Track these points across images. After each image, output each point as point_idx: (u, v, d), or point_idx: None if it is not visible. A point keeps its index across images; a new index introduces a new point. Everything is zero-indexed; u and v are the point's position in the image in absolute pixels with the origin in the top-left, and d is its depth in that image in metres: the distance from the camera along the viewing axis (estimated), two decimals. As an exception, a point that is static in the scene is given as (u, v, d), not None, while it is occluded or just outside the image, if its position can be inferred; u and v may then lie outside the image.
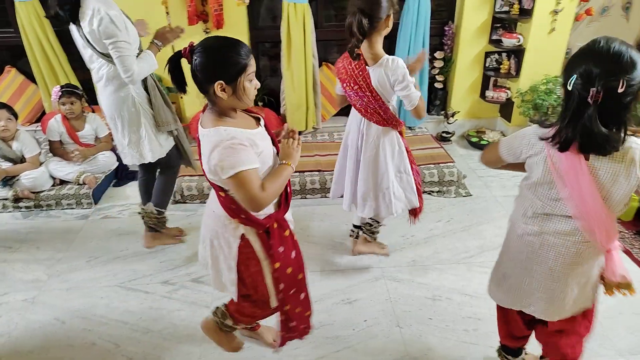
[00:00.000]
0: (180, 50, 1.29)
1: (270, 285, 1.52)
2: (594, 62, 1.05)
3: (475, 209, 2.84)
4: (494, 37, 3.41)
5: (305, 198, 3.00)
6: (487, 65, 3.53)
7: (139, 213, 2.50)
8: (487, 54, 3.49)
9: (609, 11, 3.43)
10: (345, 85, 1.97)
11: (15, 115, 2.93)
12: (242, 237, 1.45)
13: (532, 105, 3.30)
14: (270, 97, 3.68)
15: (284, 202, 1.48)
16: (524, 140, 1.28)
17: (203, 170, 1.37)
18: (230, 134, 1.27)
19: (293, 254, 1.52)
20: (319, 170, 3.02)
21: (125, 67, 1.97)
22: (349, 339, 1.95)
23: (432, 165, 3.05)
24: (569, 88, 1.09)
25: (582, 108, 1.08)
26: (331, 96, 3.46)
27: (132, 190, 3.11)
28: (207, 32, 3.21)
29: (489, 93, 3.57)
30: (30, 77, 3.59)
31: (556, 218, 1.26)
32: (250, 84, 1.32)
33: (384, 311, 2.09)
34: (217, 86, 1.26)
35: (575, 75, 1.08)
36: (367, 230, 2.36)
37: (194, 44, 1.28)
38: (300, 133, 3.47)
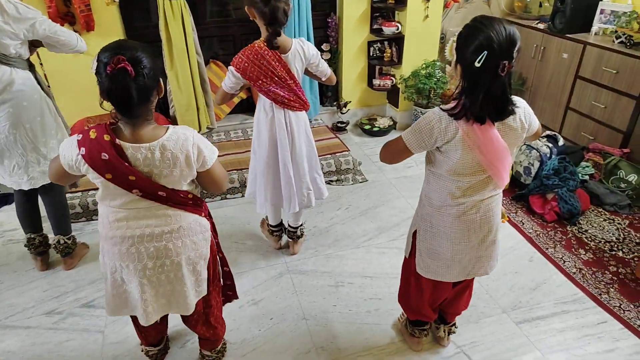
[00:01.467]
0: (122, 66, 1.11)
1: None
2: (497, 39, 1.15)
3: (372, 193, 2.95)
4: (375, 27, 3.55)
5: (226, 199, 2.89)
6: (371, 54, 3.67)
7: (29, 245, 2.27)
8: (370, 43, 3.63)
9: (471, -1, 3.76)
10: (260, 82, 1.92)
11: None
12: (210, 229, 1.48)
13: (415, 90, 3.50)
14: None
15: None
16: (435, 129, 1.30)
17: (157, 184, 1.27)
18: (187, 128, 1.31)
19: None
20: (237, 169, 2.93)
21: None
22: (255, 341, 1.92)
23: (329, 156, 3.11)
24: (478, 65, 1.17)
25: (493, 80, 1.19)
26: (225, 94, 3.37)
27: (2, 216, 2.78)
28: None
29: (376, 81, 3.72)
30: None
31: (480, 184, 1.37)
32: None
33: (290, 306, 2.09)
34: (159, 89, 1.24)
35: (485, 52, 1.15)
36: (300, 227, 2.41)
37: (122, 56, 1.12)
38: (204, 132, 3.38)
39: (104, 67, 1.13)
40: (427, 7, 3.41)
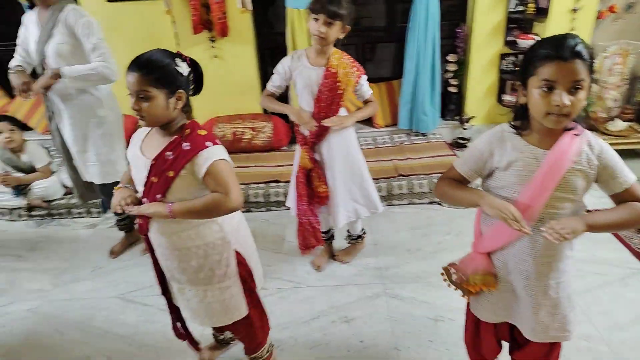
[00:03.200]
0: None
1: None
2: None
3: (487, 221, 2.71)
4: (509, 39, 3.25)
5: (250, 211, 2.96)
6: (503, 67, 3.38)
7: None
8: (503, 56, 3.34)
9: (634, 7, 3.21)
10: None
11: (20, 126, 2.99)
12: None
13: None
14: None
15: None
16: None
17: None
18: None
19: None
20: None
21: None
22: (342, 362, 1.88)
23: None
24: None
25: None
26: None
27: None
28: (212, 41, 3.20)
29: (506, 97, 3.41)
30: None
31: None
32: None
33: (383, 332, 2.00)
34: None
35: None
36: (354, 238, 2.38)
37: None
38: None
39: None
40: (574, 18, 3.02)
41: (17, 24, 3.53)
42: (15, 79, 1.99)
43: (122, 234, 2.64)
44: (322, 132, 1.97)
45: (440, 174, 1.15)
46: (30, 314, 2.24)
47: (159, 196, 1.29)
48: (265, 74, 3.57)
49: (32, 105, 3.70)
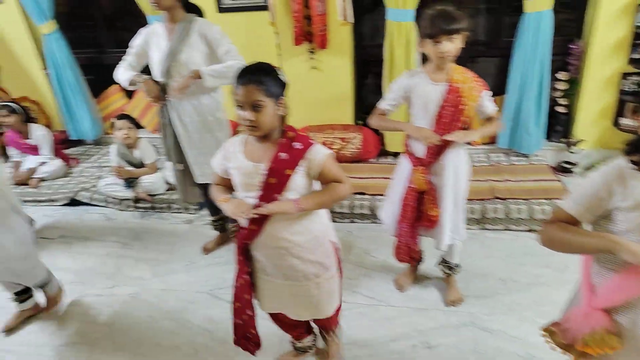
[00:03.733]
0: None
1: None
2: None
3: (594, 256, 2.44)
4: (634, 56, 2.91)
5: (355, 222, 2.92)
6: (624, 88, 3.04)
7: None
8: (625, 75, 3.00)
9: None
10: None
11: (137, 125, 3.29)
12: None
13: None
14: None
15: None
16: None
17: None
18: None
19: None
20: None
21: None
22: (421, 390, 1.80)
23: (545, 201, 2.71)
24: None
25: None
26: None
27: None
28: (311, 52, 3.28)
29: (625, 121, 3.06)
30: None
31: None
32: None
33: (467, 364, 1.89)
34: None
35: None
36: (449, 267, 2.22)
37: None
38: (398, 155, 3.39)
39: None
40: None
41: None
42: (147, 86, 2.15)
43: (215, 232, 2.79)
44: (440, 151, 1.87)
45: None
46: (130, 298, 2.44)
47: (277, 195, 1.39)
48: (359, 86, 3.58)
49: (145, 106, 4.08)
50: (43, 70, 4.00)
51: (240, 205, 1.42)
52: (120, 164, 3.25)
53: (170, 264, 2.70)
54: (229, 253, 2.71)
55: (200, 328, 2.20)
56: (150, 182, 3.23)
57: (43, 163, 3.61)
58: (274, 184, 1.39)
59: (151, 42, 2.21)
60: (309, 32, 3.20)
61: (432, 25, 1.68)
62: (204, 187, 2.47)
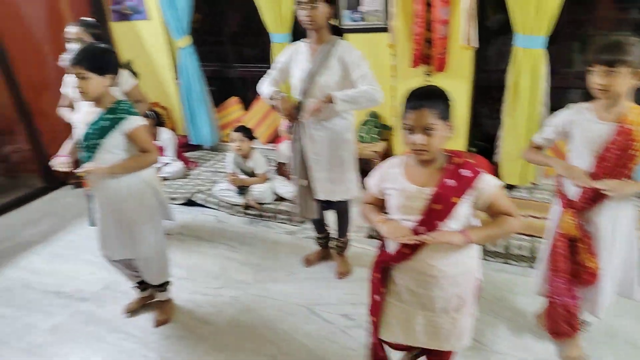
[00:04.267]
0: None
1: None
2: None
3: None
4: None
5: (508, 264, 2.67)
6: None
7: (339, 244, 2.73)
8: None
9: None
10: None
11: (250, 137, 3.47)
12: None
13: None
14: (484, 143, 3.46)
15: None
16: None
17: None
18: None
19: None
20: (530, 235, 2.64)
21: None
22: None
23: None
24: None
25: None
26: (557, 149, 3.02)
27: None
28: (428, 75, 3.22)
29: None
30: (274, 105, 4.24)
31: None
32: None
33: None
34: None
35: None
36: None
37: None
38: (513, 187, 3.18)
39: None
40: None
41: (262, 49, 4.19)
42: (283, 104, 2.22)
43: (314, 245, 2.84)
44: (596, 197, 1.68)
45: None
46: (233, 300, 2.57)
47: (439, 222, 1.37)
48: (476, 112, 3.43)
49: (260, 119, 4.32)
50: (175, 80, 4.44)
51: (399, 228, 1.41)
52: (234, 172, 3.47)
53: (271, 271, 2.79)
54: (327, 269, 2.74)
55: (297, 342, 2.23)
56: (260, 191, 3.39)
57: (167, 164, 3.97)
58: (437, 211, 1.36)
59: (295, 59, 2.27)
60: (428, 55, 3.15)
61: (591, 53, 1.56)
62: (321, 204, 2.51)
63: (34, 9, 3.95)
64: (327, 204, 2.53)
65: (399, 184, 1.45)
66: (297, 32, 3.69)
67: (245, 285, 2.69)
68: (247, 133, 3.45)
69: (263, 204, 3.42)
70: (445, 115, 1.34)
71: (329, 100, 2.08)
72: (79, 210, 3.69)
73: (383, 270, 1.55)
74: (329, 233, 2.77)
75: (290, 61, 2.30)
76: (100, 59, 1.92)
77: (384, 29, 3.28)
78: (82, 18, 2.72)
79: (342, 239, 2.69)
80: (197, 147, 4.62)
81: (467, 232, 1.36)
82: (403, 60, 3.25)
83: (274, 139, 4.30)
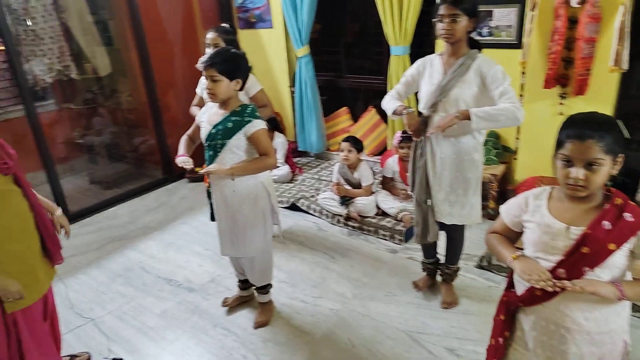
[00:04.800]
0: None
1: None
2: None
3: None
4: None
5: None
6: None
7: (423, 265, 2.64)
8: None
9: None
10: None
11: (359, 148, 3.42)
12: None
13: None
14: (623, 177, 3.05)
15: None
16: None
17: None
18: None
19: None
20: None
21: None
22: None
23: None
24: None
25: None
26: None
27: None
28: (562, 97, 2.92)
29: None
30: (384, 118, 4.17)
31: None
32: None
33: None
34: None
35: None
36: None
37: None
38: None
39: None
40: None
41: (378, 61, 4.16)
42: (409, 119, 2.13)
43: (416, 267, 2.70)
44: None
45: None
46: (332, 313, 2.52)
47: (586, 269, 1.20)
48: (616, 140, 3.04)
49: (368, 130, 4.28)
50: (290, 87, 4.57)
51: (537, 269, 1.24)
52: (339, 181, 3.45)
53: (371, 289, 2.71)
54: (431, 297, 2.58)
55: (398, 369, 2.12)
56: (363, 203, 3.34)
57: (276, 167, 4.09)
58: (586, 255, 1.20)
59: (425, 73, 2.18)
60: (564, 76, 2.86)
61: None
62: (441, 227, 2.39)
63: (172, 15, 4.33)
64: (447, 227, 2.39)
65: (542, 218, 1.29)
66: (417, 45, 3.60)
67: (344, 299, 2.63)
68: (357, 144, 3.42)
69: (365, 217, 3.35)
70: (612, 149, 1.16)
71: (465, 116, 1.94)
72: (191, 203, 3.95)
73: (509, 312, 1.40)
74: (438, 259, 2.61)
75: (421, 74, 2.21)
76: (231, 64, 1.99)
77: (514, 46, 3.05)
78: (220, 25, 2.90)
79: (451, 267, 2.51)
80: (303, 154, 4.71)
81: (622, 288, 1.18)
82: (534, 81, 2.99)
83: (381, 151, 4.23)
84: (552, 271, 1.24)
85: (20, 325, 1.70)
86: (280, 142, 4.10)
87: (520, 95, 3.08)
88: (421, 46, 3.69)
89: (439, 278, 2.63)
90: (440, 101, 2.08)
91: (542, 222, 1.29)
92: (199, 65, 2.05)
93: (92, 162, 4.84)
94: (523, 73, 3.04)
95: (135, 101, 4.67)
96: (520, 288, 1.38)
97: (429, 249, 2.56)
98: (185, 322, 2.52)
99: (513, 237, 1.43)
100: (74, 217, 3.75)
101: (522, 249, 1.39)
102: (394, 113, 2.20)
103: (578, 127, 1.19)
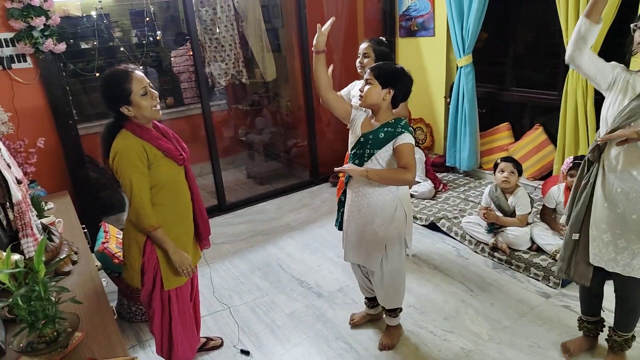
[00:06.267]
0: None
1: None
2: None
3: None
4: None
5: None
6: None
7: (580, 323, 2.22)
8: None
9: None
10: None
11: (520, 171, 3.03)
12: None
13: None
14: None
15: None
16: None
17: None
18: None
19: None
20: None
21: None
22: None
23: None
24: None
25: None
26: None
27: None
28: None
29: None
30: (552, 138, 3.65)
31: None
32: None
33: None
34: None
35: None
36: None
37: None
38: None
39: None
40: None
41: (551, 74, 3.65)
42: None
43: (573, 321, 2.26)
44: None
45: None
46: (462, 353, 2.28)
47: None
48: None
49: (530, 151, 3.80)
50: (445, 98, 4.32)
51: None
52: (489, 206, 3.12)
53: (512, 334, 2.37)
54: (590, 357, 2.14)
55: None
56: (515, 235, 2.95)
57: (417, 182, 3.91)
58: None
59: (617, 84, 1.80)
60: None
61: None
62: (603, 275, 1.98)
63: (336, 23, 4.45)
64: (614, 277, 1.95)
65: None
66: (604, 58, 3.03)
67: (479, 340, 2.35)
68: (518, 166, 3.05)
69: (515, 250, 2.96)
70: None
71: None
72: (331, 207, 4.02)
73: None
74: (602, 319, 2.15)
75: (614, 81, 1.81)
76: (388, 73, 1.97)
77: None
78: (377, 37, 2.86)
79: (622, 333, 2.04)
80: (450, 169, 4.42)
81: None
82: None
83: (544, 176, 3.72)
84: None
85: (173, 301, 1.92)
86: (418, 158, 3.90)
87: None
88: (609, 60, 3.10)
89: (603, 342, 2.17)
90: (627, 125, 1.69)
91: None
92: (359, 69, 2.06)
93: (250, 158, 5.30)
94: None
95: (293, 106, 4.96)
96: None
97: (590, 302, 2.12)
98: (310, 328, 2.54)
99: None
100: (230, 208, 4.15)
101: None
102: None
103: None
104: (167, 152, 1.80)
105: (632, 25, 1.68)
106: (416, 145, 4.05)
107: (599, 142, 1.79)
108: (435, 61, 4.31)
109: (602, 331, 2.16)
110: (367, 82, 1.98)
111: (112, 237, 2.61)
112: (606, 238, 1.86)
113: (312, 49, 2.04)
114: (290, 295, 2.86)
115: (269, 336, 2.50)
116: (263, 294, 2.89)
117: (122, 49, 4.04)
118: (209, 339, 2.43)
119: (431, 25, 4.21)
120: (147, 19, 4.08)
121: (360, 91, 2.00)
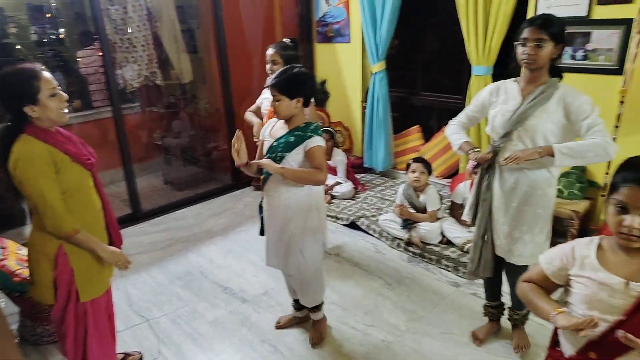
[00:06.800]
0: None
1: None
2: None
3: None
4: None
5: None
6: None
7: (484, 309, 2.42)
8: None
9: None
10: None
11: (429, 171, 3.26)
12: None
13: None
14: None
15: None
16: None
17: None
18: None
19: None
20: None
21: None
22: None
23: None
24: None
25: None
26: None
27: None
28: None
29: None
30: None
31: None
32: None
33: None
34: None
35: None
36: None
37: None
38: None
39: None
40: None
41: (456, 79, 3.96)
42: (481, 159, 2.00)
43: (479, 307, 2.48)
44: None
45: None
46: (383, 345, 2.39)
47: None
48: None
49: (438, 152, 4.08)
50: (361, 102, 4.50)
51: (586, 323, 1.06)
52: (403, 203, 3.31)
53: (427, 324, 2.54)
54: (495, 340, 2.36)
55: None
56: (426, 229, 3.17)
57: (338, 183, 4.03)
58: None
59: (497, 100, 2.01)
60: (673, 109, 2.51)
61: None
62: (501, 264, 2.19)
63: (254, 26, 4.45)
64: (507, 265, 2.18)
65: (594, 271, 1.14)
66: (501, 65, 3.37)
67: (397, 332, 2.49)
68: (427, 166, 3.27)
69: (427, 244, 3.18)
70: None
71: (548, 153, 1.77)
72: (254, 211, 3.98)
73: None
74: (503, 303, 2.39)
75: (489, 101, 2.05)
76: (292, 84, 1.99)
77: (613, 71, 2.74)
78: (281, 41, 2.90)
79: (519, 312, 2.28)
80: (367, 170, 4.61)
81: None
82: (634, 111, 2.66)
83: (451, 175, 4.02)
84: (610, 333, 1.08)
85: (89, 315, 1.81)
86: (340, 159, 4.05)
87: (616, 127, 2.75)
88: (506, 67, 3.45)
89: (506, 325, 2.40)
90: (516, 130, 1.90)
91: (597, 278, 1.14)
92: (267, 84, 2.08)
93: (167, 163, 5.11)
94: (621, 102, 2.71)
95: (212, 108, 4.86)
96: (567, 348, 1.23)
97: (493, 290, 2.34)
98: (235, 334, 2.52)
99: (550, 288, 1.28)
100: (146, 216, 3.96)
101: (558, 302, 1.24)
102: (459, 149, 2.08)
103: (637, 171, 1.06)
104: (74, 156, 1.70)
105: (515, 43, 1.88)
106: (337, 148, 4.20)
107: (502, 164, 1.94)
108: (352, 67, 4.48)
109: (502, 314, 2.39)
110: (275, 99, 1.99)
111: (11, 253, 2.38)
112: (505, 230, 2.07)
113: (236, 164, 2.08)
114: (213, 303, 2.80)
115: (191, 346, 2.44)
116: (184, 304, 2.80)
117: (18, 46, 3.69)
118: (127, 354, 2.32)
119: (347, 32, 4.36)
120: (48, 15, 3.78)
121: (272, 106, 2.03)
